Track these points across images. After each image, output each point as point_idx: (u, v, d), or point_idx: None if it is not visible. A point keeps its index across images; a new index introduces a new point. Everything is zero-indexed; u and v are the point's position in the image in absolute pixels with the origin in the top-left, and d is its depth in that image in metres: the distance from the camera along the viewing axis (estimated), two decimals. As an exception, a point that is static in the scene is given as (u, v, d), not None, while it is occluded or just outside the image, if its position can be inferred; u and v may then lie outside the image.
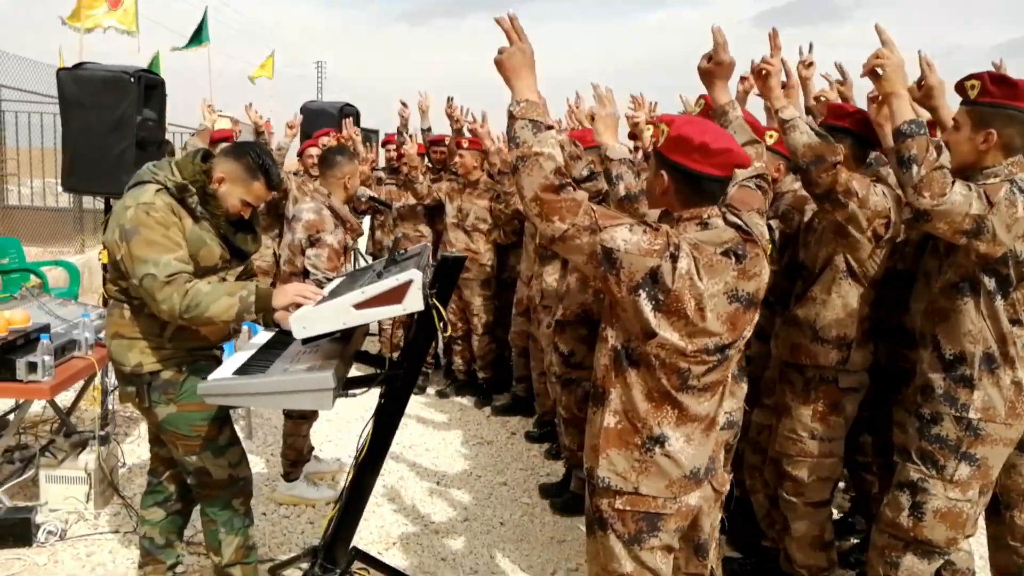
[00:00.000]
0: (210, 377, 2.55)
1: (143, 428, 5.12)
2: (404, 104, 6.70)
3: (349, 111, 7.61)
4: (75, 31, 10.28)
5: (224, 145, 3.61)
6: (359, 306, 2.50)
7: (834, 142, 2.80)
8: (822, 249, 3.09)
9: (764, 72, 2.91)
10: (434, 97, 6.79)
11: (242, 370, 2.58)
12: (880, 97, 2.82)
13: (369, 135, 7.98)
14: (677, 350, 2.06)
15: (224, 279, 2.89)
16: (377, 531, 4.06)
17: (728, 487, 2.40)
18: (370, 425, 2.98)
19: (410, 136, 6.57)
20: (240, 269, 3.10)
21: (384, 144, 6.96)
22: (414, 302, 2.51)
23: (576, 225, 2.00)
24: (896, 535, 2.81)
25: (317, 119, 7.14)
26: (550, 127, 2.11)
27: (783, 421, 3.19)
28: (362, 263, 7.25)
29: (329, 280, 3.65)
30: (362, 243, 7.01)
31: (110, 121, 5.01)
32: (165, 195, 2.77)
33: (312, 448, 4.64)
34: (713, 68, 2.61)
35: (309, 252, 3.96)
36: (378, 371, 3.05)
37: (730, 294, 2.06)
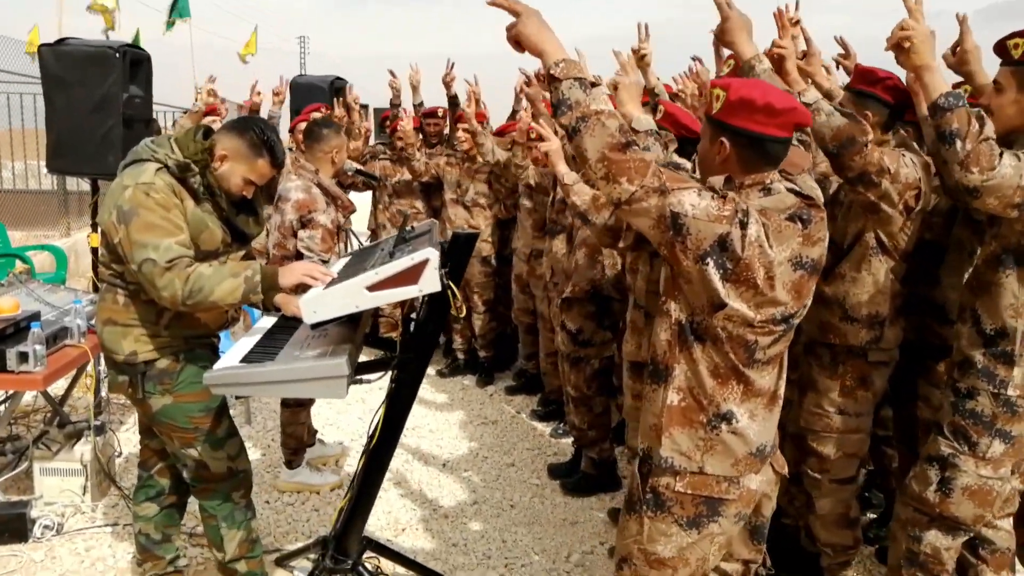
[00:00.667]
0: (216, 365, 2.42)
1: (138, 415, 4.99)
2: (393, 74, 6.49)
3: (340, 84, 7.41)
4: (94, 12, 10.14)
5: (224, 122, 3.42)
6: (373, 288, 2.37)
7: (860, 120, 2.67)
8: (851, 224, 2.96)
9: (777, 56, 2.77)
10: (424, 72, 6.61)
11: (249, 358, 2.44)
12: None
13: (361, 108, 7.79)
14: (745, 321, 1.96)
15: (225, 263, 2.76)
16: (385, 517, 3.96)
17: (787, 468, 2.30)
18: (380, 412, 2.86)
19: (403, 110, 6.40)
20: (241, 253, 2.96)
21: (384, 119, 6.75)
22: (431, 282, 2.38)
23: (645, 187, 1.89)
24: (921, 509, 2.72)
25: (307, 94, 6.94)
26: (595, 83, 1.98)
27: (808, 396, 3.08)
28: (355, 244, 7.06)
29: (325, 262, 3.51)
30: (359, 222, 6.85)
31: (95, 99, 4.83)
32: (166, 174, 2.63)
33: (315, 431, 4.52)
34: (725, 25, 2.50)
35: (301, 234, 3.77)
36: (388, 355, 2.93)
37: (795, 261, 1.96)
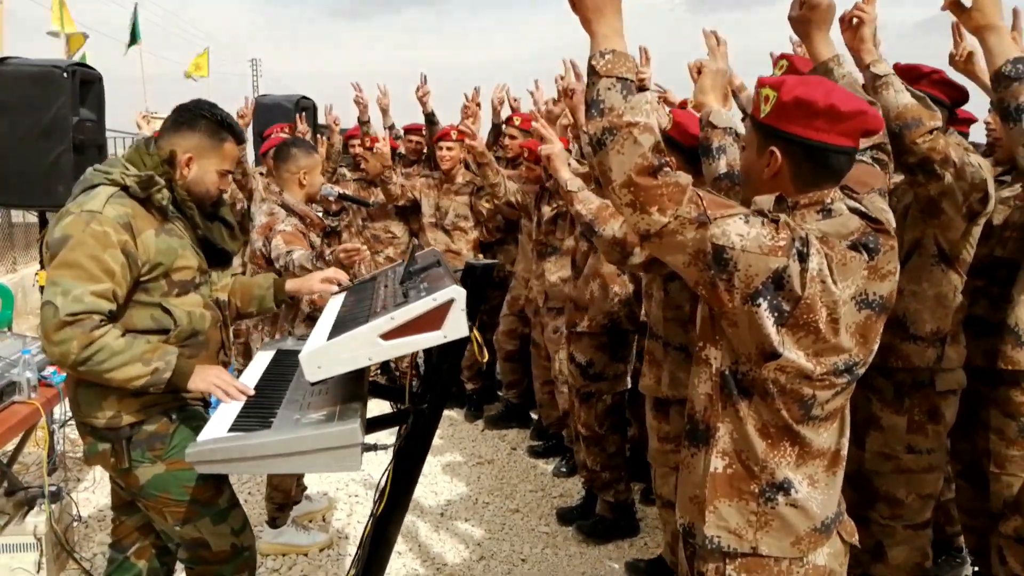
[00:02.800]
0: (200, 436, 1.99)
1: (98, 471, 4.51)
2: (358, 88, 6.10)
3: (305, 104, 7.06)
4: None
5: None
6: (388, 335, 1.98)
7: (933, 107, 2.37)
8: (908, 232, 2.65)
9: (856, 20, 2.43)
10: (394, 92, 6.28)
11: (239, 425, 2.03)
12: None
13: (321, 130, 7.37)
14: (802, 373, 1.63)
15: (205, 300, 2.37)
16: (383, 580, 3.53)
17: (856, 536, 1.94)
18: (389, 471, 2.46)
19: (375, 133, 6.02)
20: (226, 281, 2.56)
21: (348, 139, 6.36)
22: (457, 327, 2.00)
23: (680, 217, 1.56)
24: None
25: (272, 114, 6.56)
26: (643, 87, 1.62)
27: (871, 435, 2.75)
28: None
29: (308, 268, 3.13)
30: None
31: (42, 123, 4.39)
32: (122, 199, 2.21)
33: (304, 487, 4.08)
34: (808, 14, 2.13)
35: (273, 254, 3.41)
36: (398, 407, 2.54)
37: (860, 299, 1.64)
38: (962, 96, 2.77)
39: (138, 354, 2.14)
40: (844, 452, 1.79)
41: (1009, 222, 2.74)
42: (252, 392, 2.22)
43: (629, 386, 3.88)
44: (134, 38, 16.53)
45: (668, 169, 1.57)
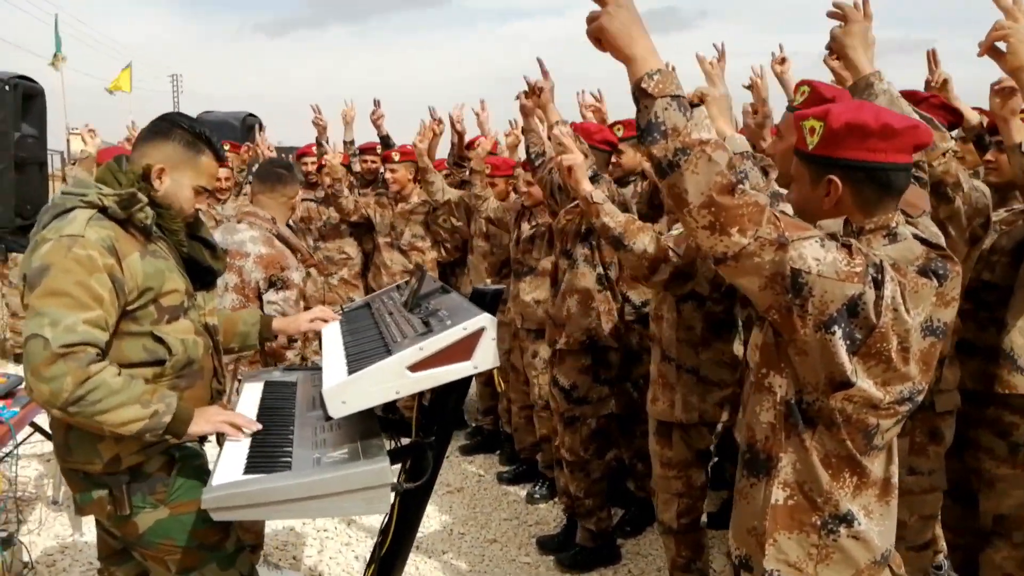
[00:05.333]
0: (214, 480, 1.82)
1: (42, 510, 4.21)
2: (317, 111, 5.93)
3: (252, 122, 6.84)
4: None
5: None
6: (416, 367, 1.86)
7: (941, 127, 2.37)
8: None
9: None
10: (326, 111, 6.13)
11: (256, 465, 1.86)
12: (1004, 87, 2.44)
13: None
14: (869, 403, 1.59)
15: (196, 325, 2.19)
16: (365, 621, 3.36)
17: (903, 569, 1.90)
18: (394, 513, 2.31)
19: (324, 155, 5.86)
20: (213, 304, 2.38)
21: (299, 157, 6.17)
22: (487, 357, 1.91)
23: (760, 238, 1.50)
24: None
25: (218, 131, 6.28)
26: (695, 103, 1.56)
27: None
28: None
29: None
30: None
31: (-19, 139, 4.10)
32: (103, 222, 2.01)
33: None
34: (848, 29, 2.10)
35: (273, 296, 3.11)
36: (398, 442, 2.40)
37: (926, 326, 1.60)
38: (958, 120, 2.80)
39: (136, 395, 1.93)
40: (895, 480, 1.75)
41: (997, 246, 2.78)
42: (260, 426, 2.06)
43: (614, 410, 3.81)
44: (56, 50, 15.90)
45: (745, 187, 1.51)
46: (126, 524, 2.10)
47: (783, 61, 3.57)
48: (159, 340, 2.09)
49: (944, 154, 2.35)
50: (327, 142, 5.90)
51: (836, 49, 2.17)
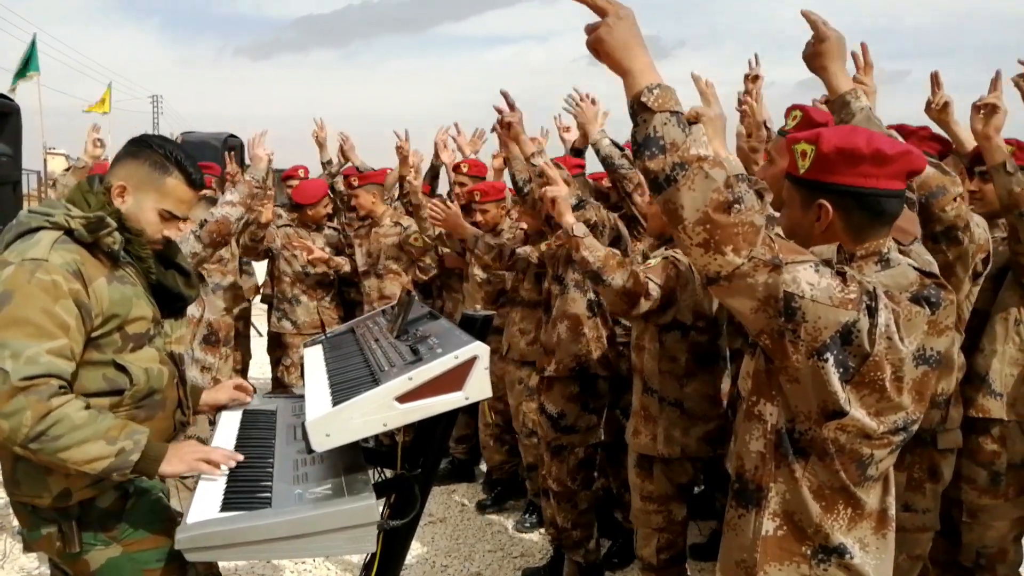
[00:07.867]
0: (188, 518, 1.71)
1: (7, 541, 4.05)
2: (319, 124, 5.89)
3: (234, 143, 6.74)
4: None
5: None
6: (404, 398, 1.76)
7: (950, 172, 2.33)
8: None
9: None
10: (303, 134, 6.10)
11: (233, 502, 1.76)
12: (986, 104, 2.43)
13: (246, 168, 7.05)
14: (863, 433, 1.57)
15: (160, 354, 2.08)
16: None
17: None
18: (377, 551, 2.20)
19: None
20: (181, 332, 2.26)
21: (284, 179, 6.06)
22: (479, 387, 1.82)
23: (754, 259, 1.47)
24: None
25: (199, 152, 6.19)
26: (693, 120, 1.52)
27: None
28: (260, 328, 6.19)
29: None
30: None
31: (-48, 157, 3.98)
32: (68, 245, 1.90)
33: None
34: (819, 48, 2.07)
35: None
36: (381, 475, 2.30)
37: (919, 355, 1.58)
38: (948, 149, 2.78)
39: (102, 431, 1.81)
40: (892, 512, 1.72)
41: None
42: (241, 457, 1.95)
43: (602, 438, 3.72)
44: (25, 69, 15.58)
45: (742, 204, 1.47)
46: (76, 562, 1.98)
47: (756, 79, 3.52)
48: (121, 368, 1.96)
49: (955, 199, 2.31)
50: (331, 163, 5.84)
51: (814, 72, 2.12)
